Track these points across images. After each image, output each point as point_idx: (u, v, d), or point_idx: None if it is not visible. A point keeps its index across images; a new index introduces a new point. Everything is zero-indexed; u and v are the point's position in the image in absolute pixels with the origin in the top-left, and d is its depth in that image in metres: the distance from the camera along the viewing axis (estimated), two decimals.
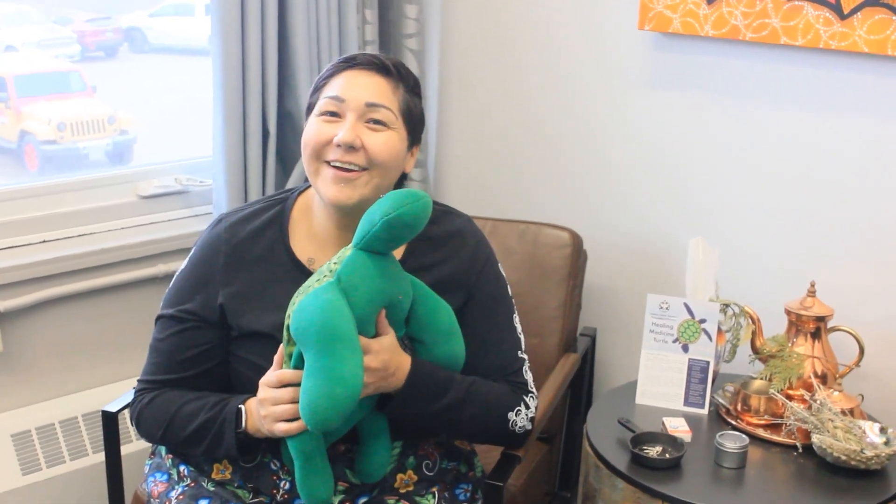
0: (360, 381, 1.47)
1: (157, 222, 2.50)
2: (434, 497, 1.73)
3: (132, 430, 2.41)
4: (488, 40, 2.66)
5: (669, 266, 2.43)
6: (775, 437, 2.01)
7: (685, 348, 2.14)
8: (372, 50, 2.58)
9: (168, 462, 1.78)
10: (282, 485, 1.68)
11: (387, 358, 1.57)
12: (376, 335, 1.57)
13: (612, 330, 2.57)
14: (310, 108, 1.69)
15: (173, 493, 1.71)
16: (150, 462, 1.84)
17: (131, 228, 2.46)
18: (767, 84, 2.24)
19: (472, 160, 2.77)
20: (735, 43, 2.23)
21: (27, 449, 2.28)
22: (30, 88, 2.61)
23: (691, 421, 2.06)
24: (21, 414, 2.32)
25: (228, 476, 1.70)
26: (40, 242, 2.32)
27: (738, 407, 2.08)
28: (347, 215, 1.65)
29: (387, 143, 1.63)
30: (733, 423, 2.07)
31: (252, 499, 1.69)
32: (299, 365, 1.54)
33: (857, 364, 2.08)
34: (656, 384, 2.15)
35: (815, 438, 1.91)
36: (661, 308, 2.15)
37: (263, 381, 1.59)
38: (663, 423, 2.04)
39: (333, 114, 1.63)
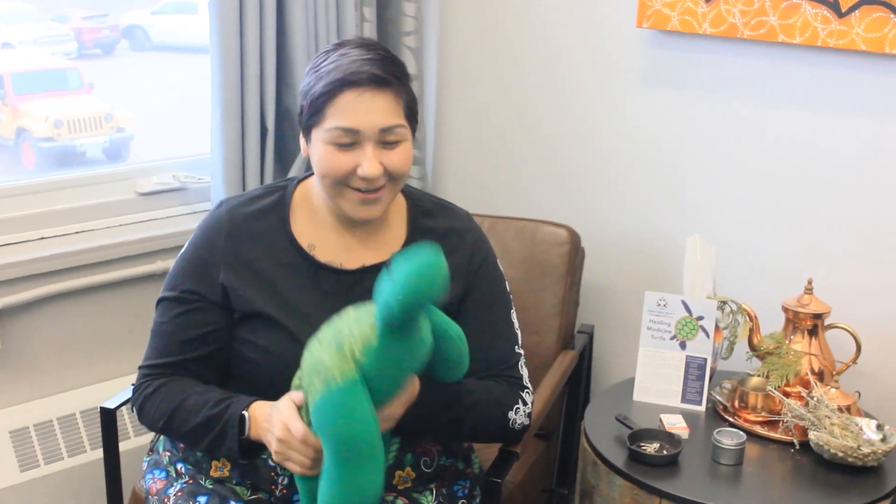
0: (379, 491, 1.46)
1: (156, 219, 2.50)
2: (432, 494, 1.74)
3: (130, 427, 2.41)
4: (486, 38, 2.67)
5: (667, 264, 2.44)
6: (772, 434, 2.01)
7: (683, 345, 2.14)
8: None
9: (166, 459, 1.78)
10: (280, 480, 1.68)
11: (404, 404, 1.58)
12: None
13: (610, 327, 2.57)
14: (308, 126, 1.65)
15: (171, 490, 1.72)
16: (147, 459, 1.84)
17: (130, 225, 2.46)
18: (765, 82, 2.24)
19: (470, 158, 2.77)
20: (733, 41, 2.24)
21: (25, 446, 2.28)
22: (27, 86, 2.61)
23: (689, 418, 2.07)
24: (19, 411, 2.31)
25: (227, 473, 1.70)
26: (39, 239, 2.32)
27: (736, 404, 2.08)
28: None
29: (404, 156, 1.64)
30: (730, 419, 2.07)
31: (250, 495, 1.69)
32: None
33: (854, 361, 2.08)
34: (654, 381, 2.16)
35: (812, 435, 1.91)
36: (659, 305, 2.15)
37: (286, 423, 1.52)
38: (661, 420, 2.05)
39: (347, 143, 1.61)
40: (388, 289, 1.41)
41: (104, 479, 1.95)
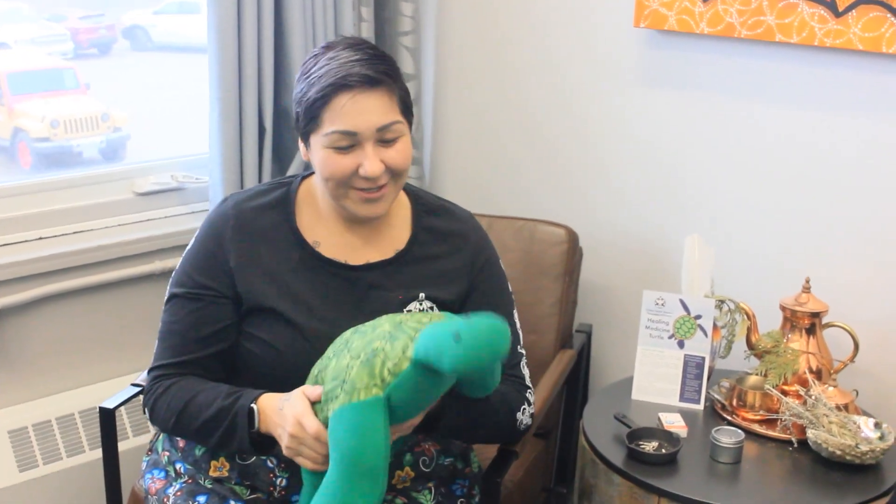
0: None
1: (154, 219, 2.50)
2: (431, 493, 1.74)
3: (129, 427, 2.41)
4: (484, 38, 2.67)
5: (665, 263, 2.44)
6: (771, 433, 2.02)
7: (681, 344, 2.15)
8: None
9: (165, 459, 1.78)
10: (278, 482, 1.68)
11: (417, 421, 1.58)
12: None
13: (608, 326, 2.57)
14: (306, 132, 1.65)
15: (171, 490, 1.72)
16: (147, 459, 1.84)
17: (128, 225, 2.46)
18: (763, 82, 2.25)
19: (468, 157, 2.77)
20: (730, 40, 2.24)
21: (24, 446, 2.28)
22: (23, 86, 2.61)
23: (687, 416, 2.07)
24: (18, 411, 2.31)
25: (226, 473, 1.70)
26: (37, 239, 2.31)
27: (734, 402, 2.09)
28: None
29: (404, 151, 1.65)
30: (729, 418, 2.08)
31: (249, 495, 1.69)
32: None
33: (852, 360, 2.09)
34: (652, 380, 2.16)
35: (810, 433, 1.92)
36: (657, 304, 2.16)
37: (299, 419, 1.52)
38: (659, 419, 2.05)
39: (347, 146, 1.62)
40: (447, 343, 1.36)
41: (103, 479, 1.95)
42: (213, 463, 1.71)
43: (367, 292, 1.70)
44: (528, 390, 1.78)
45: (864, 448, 1.87)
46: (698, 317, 2.13)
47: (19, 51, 2.59)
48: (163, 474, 1.77)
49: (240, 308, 1.69)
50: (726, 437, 1.93)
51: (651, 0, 2.29)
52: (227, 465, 1.71)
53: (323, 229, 1.73)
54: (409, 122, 1.69)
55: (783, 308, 2.11)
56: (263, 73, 2.38)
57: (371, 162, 1.61)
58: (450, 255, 1.74)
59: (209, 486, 1.70)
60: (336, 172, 1.62)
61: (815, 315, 2.07)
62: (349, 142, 1.61)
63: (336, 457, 1.46)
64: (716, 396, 2.13)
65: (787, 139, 2.24)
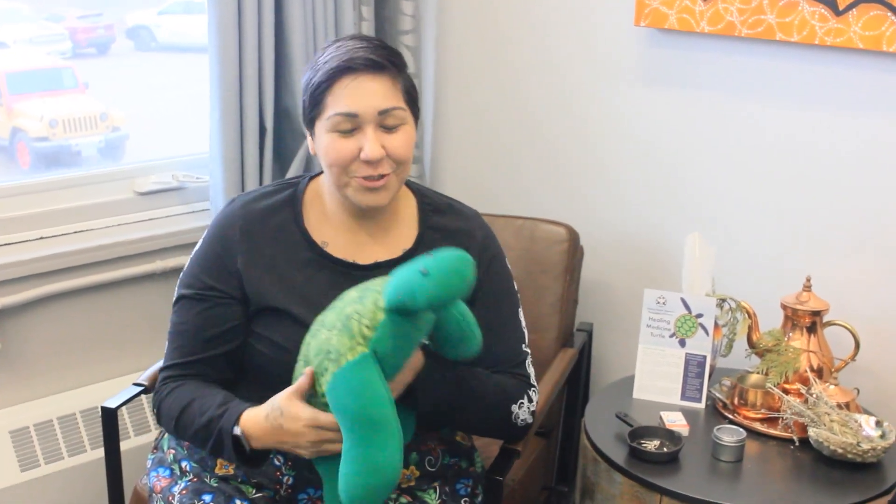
0: (398, 468, 1.46)
1: (154, 219, 2.50)
2: (436, 492, 1.74)
3: (131, 427, 2.41)
4: (484, 37, 2.67)
5: (666, 262, 2.44)
6: (772, 431, 2.02)
7: (682, 343, 2.15)
8: None
9: (170, 457, 1.78)
10: (285, 480, 1.68)
11: (412, 369, 1.60)
12: None
13: (609, 325, 2.58)
14: (311, 119, 1.67)
15: (176, 488, 1.71)
16: (152, 457, 1.84)
17: (128, 225, 2.45)
18: (763, 80, 2.25)
19: (469, 156, 2.77)
20: (731, 39, 2.24)
21: (25, 446, 2.28)
22: (21, 85, 2.60)
23: (688, 415, 2.07)
24: (19, 411, 2.31)
25: (232, 471, 1.70)
26: (37, 239, 2.31)
27: (735, 401, 2.09)
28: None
29: (406, 140, 1.66)
30: (730, 417, 2.08)
31: (255, 493, 1.69)
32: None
33: (853, 358, 2.09)
34: (653, 379, 2.16)
35: (811, 432, 1.92)
36: (658, 303, 2.16)
37: (310, 424, 1.53)
38: (661, 418, 2.05)
39: (349, 129, 1.63)
40: (415, 279, 1.42)
41: (105, 478, 1.94)
42: (219, 461, 1.71)
43: None
44: (532, 388, 1.78)
45: (865, 446, 1.87)
46: (699, 315, 2.14)
47: (18, 50, 2.59)
48: (168, 472, 1.77)
49: (247, 309, 1.69)
50: (728, 435, 1.94)
51: None
52: (233, 464, 1.71)
53: (331, 229, 1.73)
54: (415, 115, 1.69)
55: (784, 306, 2.11)
56: (264, 73, 2.38)
57: (371, 144, 1.61)
58: None
59: (215, 484, 1.70)
60: (338, 157, 1.63)
61: (816, 313, 2.08)
62: (351, 125, 1.62)
63: (346, 423, 1.46)
64: (717, 395, 2.14)
65: (787, 138, 2.25)
